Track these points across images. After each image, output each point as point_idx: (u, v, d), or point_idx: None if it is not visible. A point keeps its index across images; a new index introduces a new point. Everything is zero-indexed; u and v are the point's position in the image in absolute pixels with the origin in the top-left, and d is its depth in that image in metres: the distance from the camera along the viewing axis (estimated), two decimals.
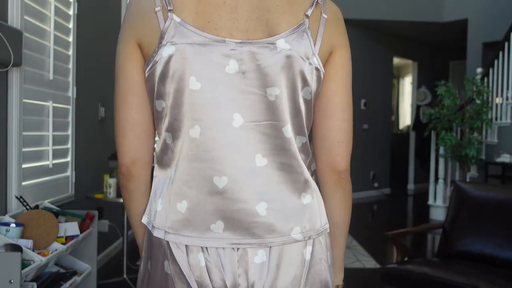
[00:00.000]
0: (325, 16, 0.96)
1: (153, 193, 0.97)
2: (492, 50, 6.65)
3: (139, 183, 1.00)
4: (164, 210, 0.93)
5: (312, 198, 0.96)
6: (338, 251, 1.07)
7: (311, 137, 1.02)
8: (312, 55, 0.93)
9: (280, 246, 0.92)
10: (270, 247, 0.91)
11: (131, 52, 0.94)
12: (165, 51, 0.89)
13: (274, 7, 0.92)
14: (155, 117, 0.96)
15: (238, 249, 0.91)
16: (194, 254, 0.91)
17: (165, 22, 0.89)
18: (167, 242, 0.92)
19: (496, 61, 5.93)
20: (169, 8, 0.89)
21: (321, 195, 1.01)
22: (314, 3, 0.95)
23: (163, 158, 0.96)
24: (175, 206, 0.92)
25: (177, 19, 0.89)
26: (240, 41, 0.90)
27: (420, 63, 9.18)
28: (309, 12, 0.94)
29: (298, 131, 0.95)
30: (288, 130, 0.93)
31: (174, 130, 0.92)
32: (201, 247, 0.91)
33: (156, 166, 0.98)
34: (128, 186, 1.00)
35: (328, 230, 1.00)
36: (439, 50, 9.30)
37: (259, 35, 0.91)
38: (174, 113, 0.91)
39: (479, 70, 6.15)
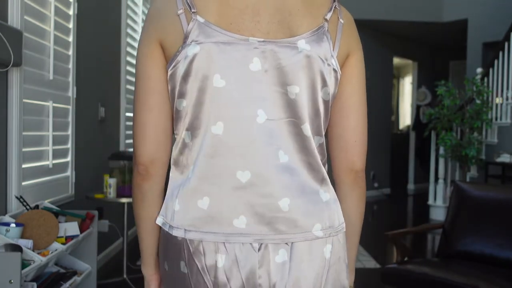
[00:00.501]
0: (342, 21, 1.00)
1: (169, 194, 0.98)
2: (492, 50, 6.65)
3: (155, 183, 1.00)
4: (182, 209, 0.94)
5: (330, 196, 0.99)
6: (352, 251, 1.08)
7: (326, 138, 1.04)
8: (330, 57, 0.96)
9: (301, 245, 0.93)
10: (292, 243, 0.92)
11: (153, 52, 0.96)
12: (190, 50, 0.92)
13: (296, 11, 0.96)
14: (175, 117, 0.97)
15: (259, 249, 0.91)
16: (212, 255, 0.91)
17: (188, 24, 0.92)
18: (184, 242, 0.93)
19: (496, 61, 5.93)
20: (192, 10, 0.93)
21: (337, 195, 1.03)
22: (333, 8, 0.99)
23: (179, 159, 0.97)
24: (196, 203, 0.93)
25: (201, 20, 0.92)
26: (262, 40, 0.93)
27: (420, 63, 9.18)
28: (328, 16, 0.98)
29: (316, 131, 0.98)
30: (307, 128, 0.95)
31: (194, 129, 0.94)
32: (218, 247, 0.91)
33: (172, 167, 0.99)
34: (143, 186, 1.00)
35: (345, 230, 1.01)
36: (439, 50, 9.30)
37: (281, 35, 0.94)
38: (195, 111, 0.94)
39: (479, 70, 6.15)
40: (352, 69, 1.01)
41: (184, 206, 0.94)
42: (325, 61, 0.95)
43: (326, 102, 0.98)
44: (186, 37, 0.92)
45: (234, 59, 0.91)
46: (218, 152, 0.92)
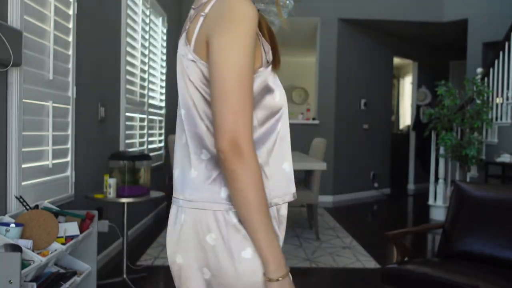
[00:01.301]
0: (203, 14, 1.07)
1: None
2: (492, 50, 6.65)
3: None
4: None
5: (199, 174, 1.12)
6: (249, 235, 1.05)
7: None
8: (188, 51, 1.09)
9: (177, 207, 1.16)
10: (176, 206, 1.17)
11: None
12: None
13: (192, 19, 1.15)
14: None
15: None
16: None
17: None
18: None
19: (496, 61, 5.93)
20: None
21: None
22: (202, 5, 1.10)
23: None
24: None
25: None
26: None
27: (420, 63, 9.18)
28: (191, 19, 1.11)
29: (202, 116, 1.12)
30: (183, 114, 1.16)
31: None
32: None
33: None
34: None
35: (214, 209, 1.08)
36: (439, 50, 9.30)
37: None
38: None
39: (479, 70, 6.15)
40: (212, 55, 1.03)
41: None
42: (185, 56, 1.10)
43: (197, 90, 1.10)
44: None
45: (178, 65, 1.19)
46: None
